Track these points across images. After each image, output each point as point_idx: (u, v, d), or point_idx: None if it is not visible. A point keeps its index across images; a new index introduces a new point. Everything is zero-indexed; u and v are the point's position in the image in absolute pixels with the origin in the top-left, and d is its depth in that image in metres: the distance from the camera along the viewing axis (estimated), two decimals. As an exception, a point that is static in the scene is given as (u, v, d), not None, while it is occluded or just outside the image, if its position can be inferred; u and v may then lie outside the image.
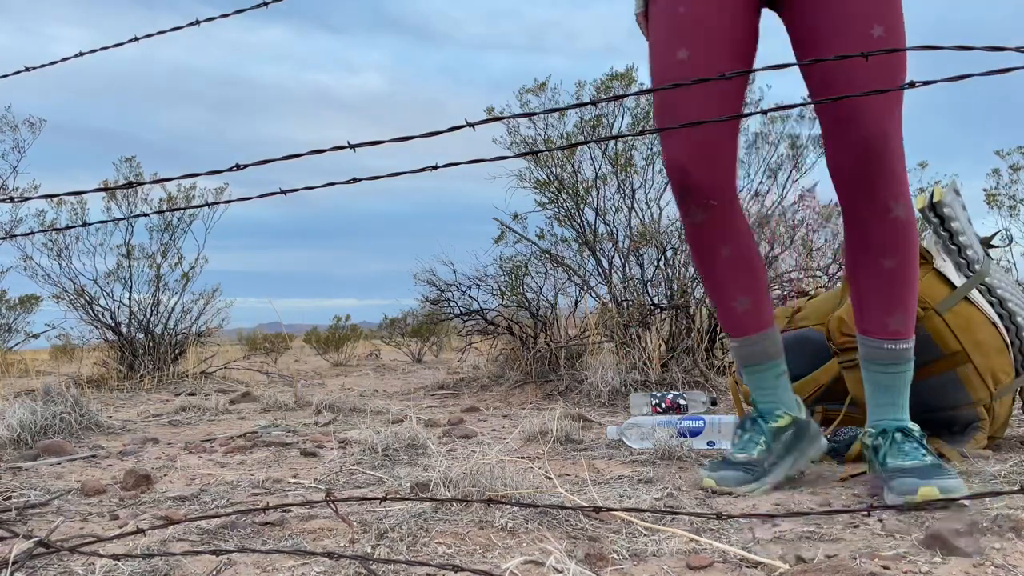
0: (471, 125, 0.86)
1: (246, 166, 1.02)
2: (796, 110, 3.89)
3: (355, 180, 0.92)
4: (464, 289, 4.83)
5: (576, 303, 4.12)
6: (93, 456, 2.07)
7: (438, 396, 4.01)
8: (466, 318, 4.89)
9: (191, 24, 1.26)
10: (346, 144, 0.86)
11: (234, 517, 1.28)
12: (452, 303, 4.96)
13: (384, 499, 1.04)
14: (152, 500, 1.52)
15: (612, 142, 3.86)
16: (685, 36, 1.46)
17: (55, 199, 4.98)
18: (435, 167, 0.88)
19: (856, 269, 1.48)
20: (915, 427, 1.44)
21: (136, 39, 1.31)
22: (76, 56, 1.37)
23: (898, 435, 1.40)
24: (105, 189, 1.20)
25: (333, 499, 1.13)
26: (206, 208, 4.94)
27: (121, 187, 1.25)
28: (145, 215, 1.91)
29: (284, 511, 1.33)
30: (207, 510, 1.41)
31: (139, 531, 1.16)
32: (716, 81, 1.43)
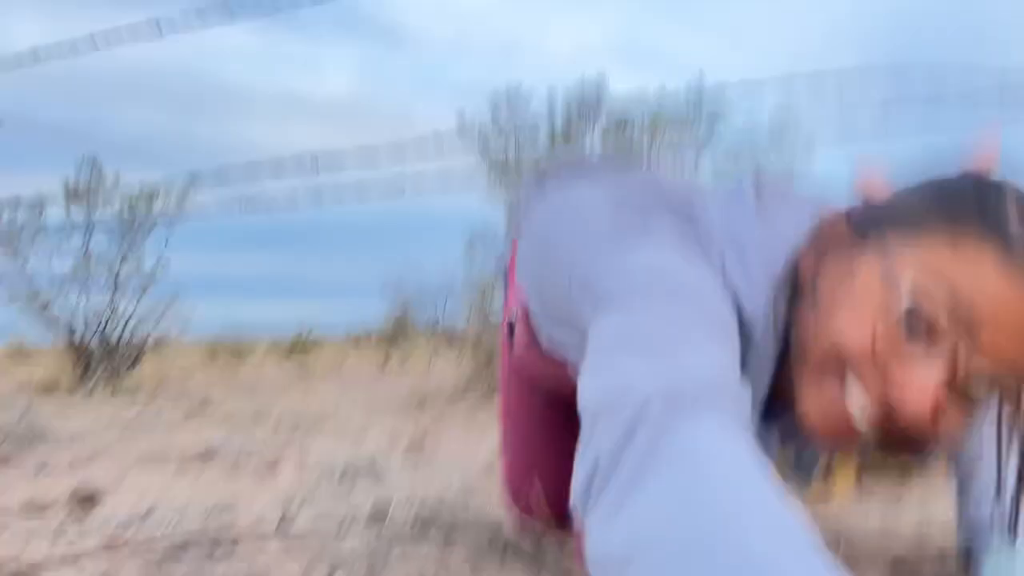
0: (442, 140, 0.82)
1: (209, 173, 0.98)
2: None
3: (320, 198, 0.88)
4: (432, 300, 4.79)
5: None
6: (39, 470, 1.99)
7: (403, 410, 3.95)
8: (433, 330, 4.85)
9: (152, 27, 1.21)
10: (308, 159, 0.83)
11: (184, 542, 1.23)
12: (419, 313, 4.91)
13: (341, 526, 1.00)
14: (100, 519, 1.46)
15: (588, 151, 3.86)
16: None
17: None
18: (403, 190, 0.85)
19: None
20: None
21: (96, 46, 1.26)
22: (31, 55, 1.31)
23: None
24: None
25: (287, 524, 1.09)
26: (167, 213, 4.85)
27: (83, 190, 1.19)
28: (102, 221, 1.84)
29: (235, 538, 1.28)
30: (156, 533, 1.35)
31: (83, 554, 1.10)
32: None
